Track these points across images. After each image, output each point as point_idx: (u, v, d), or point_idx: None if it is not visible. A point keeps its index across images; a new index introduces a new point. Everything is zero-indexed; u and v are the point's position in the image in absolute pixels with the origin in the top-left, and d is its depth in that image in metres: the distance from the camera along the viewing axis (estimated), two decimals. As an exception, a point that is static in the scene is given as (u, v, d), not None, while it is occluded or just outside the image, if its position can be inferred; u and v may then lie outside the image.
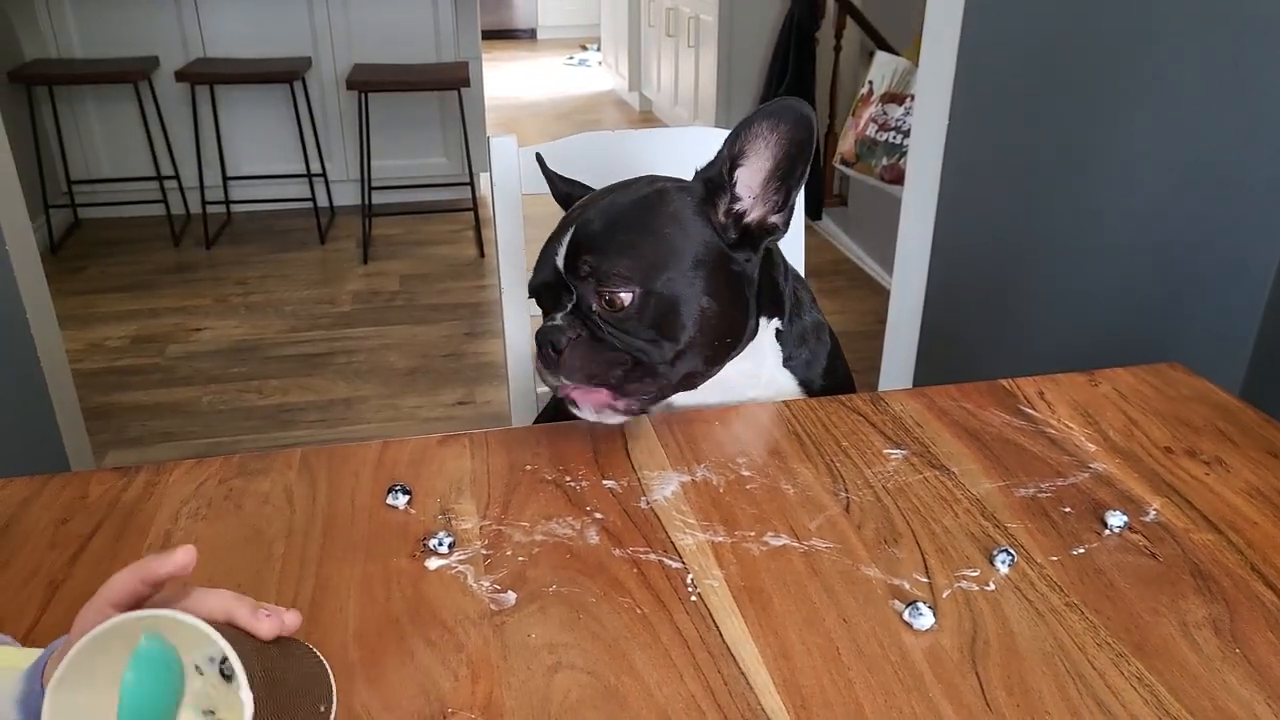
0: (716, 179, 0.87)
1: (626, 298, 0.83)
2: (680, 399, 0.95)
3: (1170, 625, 0.66)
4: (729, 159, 0.86)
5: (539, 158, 1.07)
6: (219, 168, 3.93)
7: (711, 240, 0.87)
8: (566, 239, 0.87)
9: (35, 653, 0.52)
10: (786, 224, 0.88)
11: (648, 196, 0.89)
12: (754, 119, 0.84)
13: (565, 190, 1.03)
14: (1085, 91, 1.57)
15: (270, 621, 0.50)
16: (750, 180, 0.87)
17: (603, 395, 0.85)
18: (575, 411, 0.87)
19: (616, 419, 0.86)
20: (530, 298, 0.93)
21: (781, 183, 0.86)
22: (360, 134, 3.67)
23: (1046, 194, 1.69)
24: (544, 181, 1.22)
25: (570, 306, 0.86)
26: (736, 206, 0.88)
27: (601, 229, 0.87)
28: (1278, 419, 0.93)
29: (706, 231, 0.87)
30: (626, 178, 0.95)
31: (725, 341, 0.89)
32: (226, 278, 3.48)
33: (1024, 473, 0.83)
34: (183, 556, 0.52)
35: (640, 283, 0.84)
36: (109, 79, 3.58)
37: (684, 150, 1.27)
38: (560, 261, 0.87)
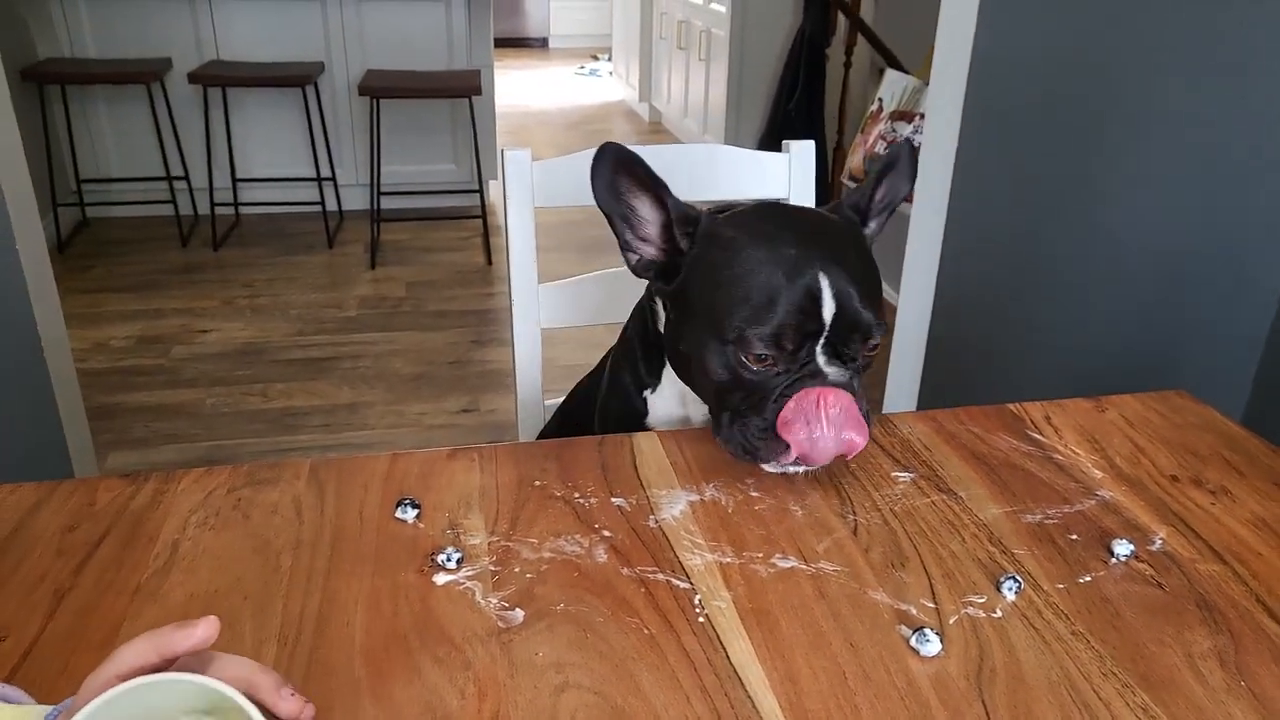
0: (867, 202, 0.91)
1: (881, 338, 0.83)
2: (673, 416, 0.96)
3: (1176, 656, 0.66)
4: (876, 180, 0.90)
5: (635, 162, 0.86)
6: (229, 169, 3.95)
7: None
8: (825, 285, 0.80)
9: (41, 710, 0.50)
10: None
11: (854, 233, 0.89)
12: (899, 150, 0.90)
13: (681, 212, 0.87)
14: (1094, 117, 1.57)
15: (292, 703, 0.49)
16: (875, 206, 0.92)
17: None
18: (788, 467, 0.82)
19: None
20: (757, 343, 0.80)
21: (884, 210, 0.93)
22: (371, 139, 3.69)
23: (1053, 217, 1.69)
24: (555, 194, 1.23)
25: (825, 356, 0.81)
26: (869, 231, 0.92)
27: (856, 276, 0.82)
28: (1281, 444, 0.94)
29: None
30: (767, 200, 0.96)
31: None
32: (234, 280, 3.49)
33: (1031, 499, 0.84)
34: (204, 630, 0.48)
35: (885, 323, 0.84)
36: (122, 79, 3.61)
37: (693, 166, 1.29)
38: (829, 313, 0.80)
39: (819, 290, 0.79)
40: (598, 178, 0.85)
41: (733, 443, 0.84)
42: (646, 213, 0.88)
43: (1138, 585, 0.73)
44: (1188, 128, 1.40)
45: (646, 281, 0.94)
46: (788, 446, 0.79)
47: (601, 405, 1.05)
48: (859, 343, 0.82)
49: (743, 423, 0.82)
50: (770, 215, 0.88)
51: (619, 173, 0.85)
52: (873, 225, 0.93)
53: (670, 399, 0.97)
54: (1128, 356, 1.54)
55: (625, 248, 0.89)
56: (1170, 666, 0.65)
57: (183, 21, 3.81)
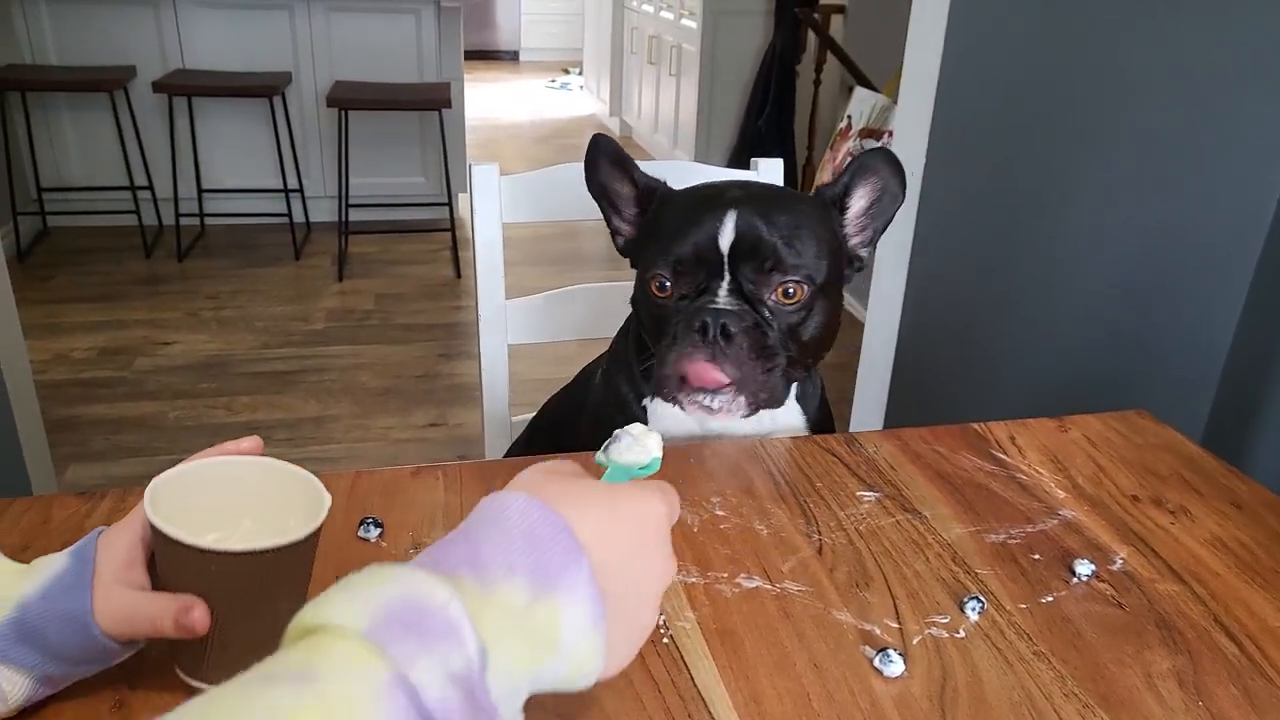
0: (836, 198, 0.91)
1: (803, 291, 0.84)
2: (680, 428, 0.95)
3: (1135, 676, 0.66)
4: (848, 184, 0.91)
5: (617, 150, 0.94)
6: (194, 180, 3.90)
7: (839, 255, 0.90)
8: (730, 219, 0.82)
9: (59, 558, 0.57)
10: (863, 262, 0.94)
11: (804, 196, 0.91)
12: (873, 158, 0.90)
13: (646, 184, 0.94)
14: (1058, 137, 1.60)
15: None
16: (854, 208, 0.92)
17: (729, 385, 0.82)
18: (690, 400, 0.83)
19: (735, 414, 0.84)
20: (658, 271, 0.84)
21: (870, 221, 0.93)
22: (339, 151, 3.67)
23: (1018, 236, 1.72)
24: (523, 209, 1.23)
25: (726, 289, 0.82)
26: (853, 238, 0.93)
27: (779, 217, 0.83)
28: (1240, 461, 0.95)
29: (837, 245, 0.90)
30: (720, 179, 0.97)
31: (817, 357, 0.91)
32: (198, 291, 3.45)
33: (995, 518, 0.84)
34: (249, 443, 0.62)
35: (813, 279, 0.84)
36: (84, 87, 3.56)
37: (668, 182, 1.29)
38: (726, 241, 0.82)
39: (722, 220, 0.83)
40: (591, 171, 0.94)
41: (656, 382, 0.86)
42: (625, 193, 0.95)
43: (1099, 605, 0.74)
44: (1149, 151, 1.43)
45: (621, 298, 0.97)
46: (683, 376, 0.82)
47: (594, 416, 1.03)
48: (765, 277, 0.83)
49: (659, 360, 0.85)
50: (722, 181, 0.94)
51: (608, 164, 0.94)
52: (865, 235, 0.93)
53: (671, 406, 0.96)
54: (1091, 376, 1.56)
55: (614, 231, 0.96)
56: (1130, 687, 0.65)
57: (147, 29, 3.76)
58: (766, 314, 0.83)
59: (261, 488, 0.61)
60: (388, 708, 0.34)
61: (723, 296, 0.82)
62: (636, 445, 0.56)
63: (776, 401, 0.87)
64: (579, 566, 0.44)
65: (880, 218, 0.93)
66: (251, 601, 0.56)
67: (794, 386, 0.95)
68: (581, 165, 1.28)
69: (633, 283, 0.95)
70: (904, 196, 0.91)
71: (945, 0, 1.83)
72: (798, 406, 0.99)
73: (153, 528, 0.55)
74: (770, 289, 0.83)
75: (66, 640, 0.55)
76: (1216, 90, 1.31)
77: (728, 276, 0.83)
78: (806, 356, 0.89)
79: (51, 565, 0.57)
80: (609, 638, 0.45)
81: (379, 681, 0.35)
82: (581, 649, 0.44)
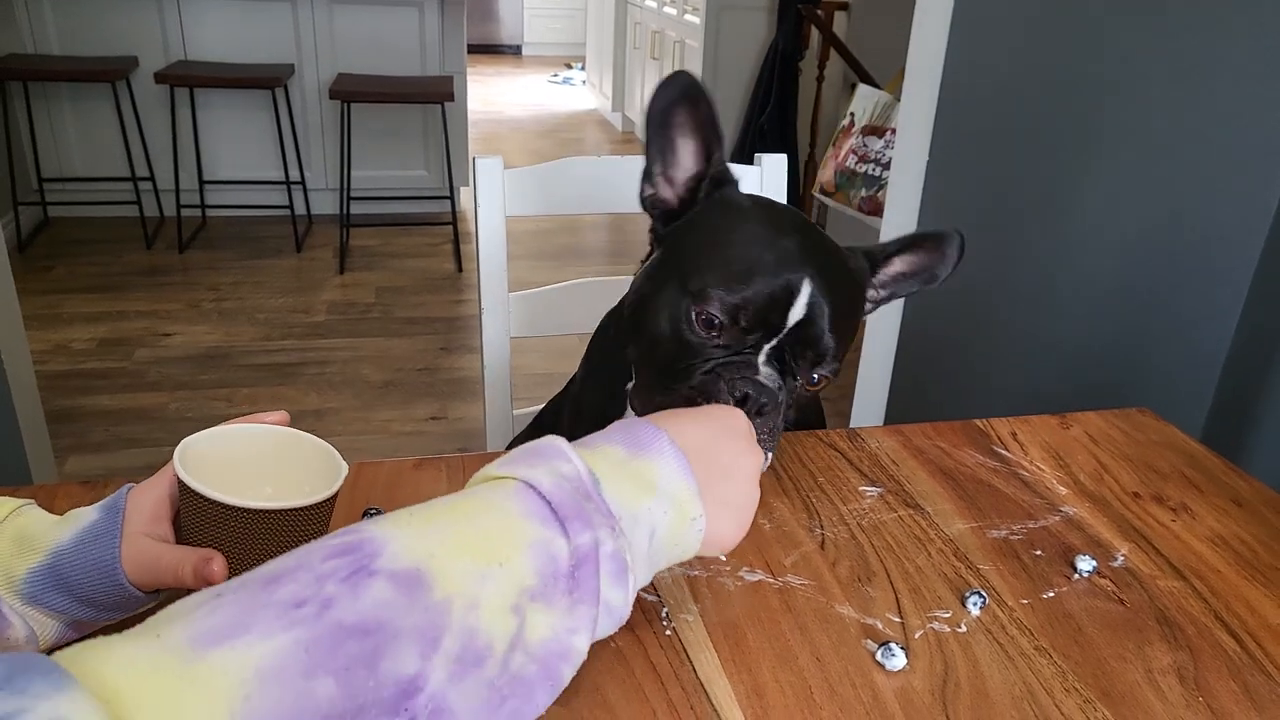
0: (884, 256, 0.87)
1: (828, 382, 0.80)
2: None
3: (1136, 672, 0.67)
4: (907, 245, 0.87)
5: (707, 101, 0.82)
6: (195, 171, 3.90)
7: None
8: (806, 289, 0.76)
9: (87, 511, 0.62)
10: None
11: (857, 274, 0.85)
12: (949, 238, 0.87)
13: (719, 163, 0.84)
14: (1062, 135, 1.60)
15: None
16: (894, 268, 0.88)
17: None
18: None
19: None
20: (713, 306, 0.75)
21: (895, 288, 0.89)
22: (341, 143, 3.66)
23: (1020, 233, 1.72)
24: (526, 203, 1.23)
25: (768, 356, 0.77)
26: (870, 293, 0.88)
27: (841, 303, 0.78)
28: (1239, 460, 0.95)
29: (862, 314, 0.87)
30: (779, 204, 0.88)
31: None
32: (199, 283, 3.45)
33: (996, 514, 0.84)
34: (276, 415, 0.68)
35: (838, 369, 0.80)
36: (86, 77, 3.55)
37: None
38: (796, 315, 0.76)
39: (798, 289, 0.75)
40: (658, 98, 0.81)
41: (648, 404, 0.79)
42: (686, 156, 0.84)
43: (1100, 601, 0.74)
44: (1152, 148, 1.43)
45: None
46: None
47: (573, 429, 1.01)
48: (807, 363, 0.78)
49: (665, 387, 0.78)
50: (790, 214, 0.85)
51: (682, 103, 0.82)
52: (882, 293, 0.89)
53: None
54: (1091, 374, 1.56)
55: (646, 177, 0.85)
56: (1131, 682, 0.66)
57: (149, 20, 3.76)
58: (792, 387, 0.79)
59: (284, 456, 0.65)
60: (518, 498, 0.50)
61: (764, 365, 0.76)
62: None
63: (767, 464, 0.82)
64: (660, 437, 0.57)
65: (905, 289, 0.89)
66: (268, 558, 0.58)
67: None
68: (586, 160, 1.27)
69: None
70: (940, 285, 0.88)
71: (950, -3, 1.82)
72: None
73: (179, 482, 0.59)
74: (806, 373, 0.79)
75: (95, 587, 0.58)
76: (1219, 90, 1.31)
77: (775, 342, 0.77)
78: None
79: (84, 516, 0.61)
80: (710, 507, 0.57)
81: (510, 487, 0.51)
82: (679, 493, 0.56)
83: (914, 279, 0.89)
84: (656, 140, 0.83)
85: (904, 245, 0.87)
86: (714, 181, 0.84)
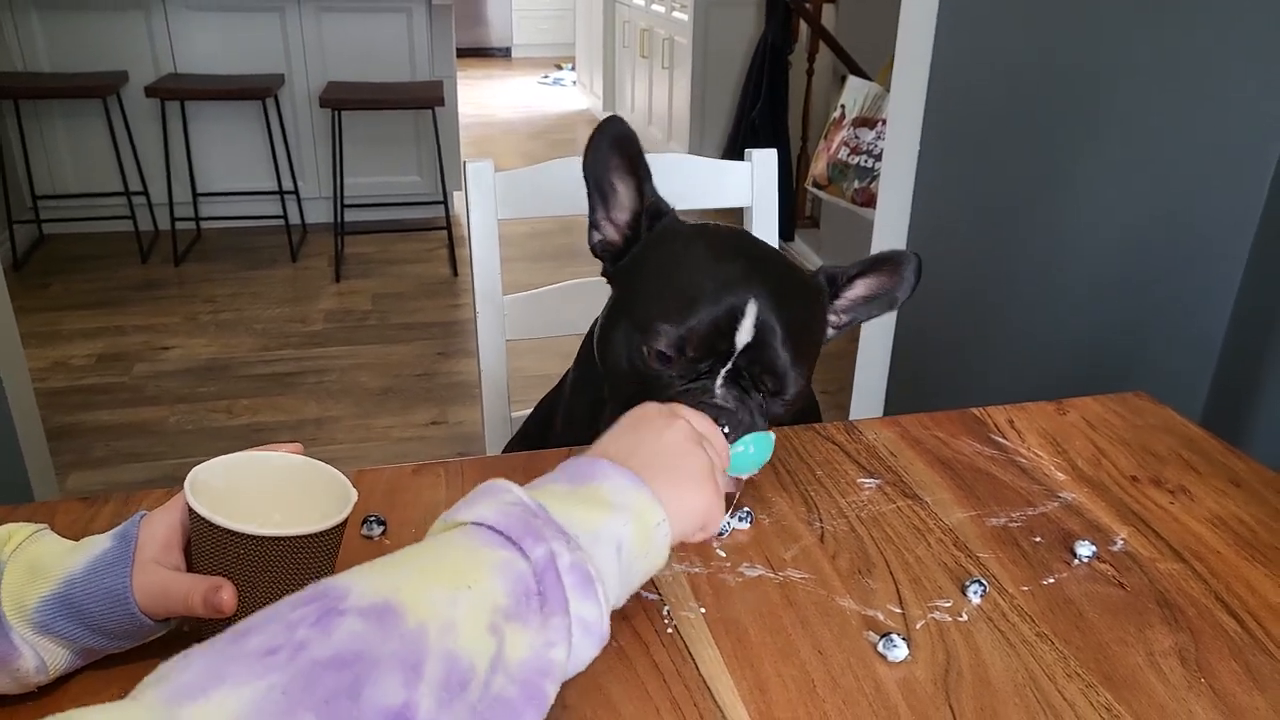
0: (840, 279, 0.87)
1: (791, 400, 0.80)
2: None
3: (1138, 655, 0.67)
4: (862, 271, 0.87)
5: (632, 142, 0.85)
6: (189, 184, 3.90)
7: (821, 344, 0.86)
8: (751, 311, 0.76)
9: (101, 539, 0.62)
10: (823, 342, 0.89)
11: (812, 293, 0.85)
12: (904, 260, 0.87)
13: (654, 200, 0.87)
14: (1053, 122, 1.60)
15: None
16: (853, 293, 0.89)
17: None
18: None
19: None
20: (660, 343, 0.77)
21: (856, 311, 0.89)
22: (333, 151, 3.66)
23: (1014, 222, 1.72)
24: (518, 205, 1.23)
25: (724, 379, 0.77)
26: (832, 319, 0.88)
27: (790, 323, 0.78)
28: (1238, 445, 0.95)
29: (822, 334, 0.87)
30: (725, 226, 0.88)
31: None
32: (196, 295, 3.45)
33: (995, 502, 0.85)
34: (289, 447, 0.67)
35: (802, 390, 0.80)
36: (76, 93, 3.55)
37: (656, 175, 1.29)
38: (743, 337, 0.76)
39: (742, 312, 0.76)
40: (592, 149, 0.85)
41: None
42: (625, 197, 0.87)
43: (1100, 586, 0.74)
44: (1144, 134, 1.42)
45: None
46: None
47: (566, 431, 1.01)
48: (766, 386, 0.78)
49: None
50: (734, 236, 0.87)
51: (614, 150, 0.85)
52: (843, 318, 0.89)
53: None
54: (1089, 358, 1.56)
55: (594, 225, 0.88)
56: (1132, 666, 0.66)
57: (138, 34, 3.75)
58: (759, 403, 0.79)
59: (294, 483, 0.66)
60: (472, 534, 0.51)
61: (720, 388, 0.77)
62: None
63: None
64: (597, 462, 0.59)
65: (867, 312, 0.90)
66: (277, 586, 0.59)
67: None
68: (578, 160, 1.27)
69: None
70: (895, 309, 0.89)
71: (936, -14, 1.83)
72: None
73: (189, 510, 0.59)
74: (766, 390, 0.79)
75: (106, 615, 0.58)
76: (1212, 77, 1.31)
77: (730, 366, 0.77)
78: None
79: (97, 544, 0.61)
80: (670, 507, 0.58)
81: (463, 530, 0.52)
82: (635, 503, 0.57)
83: (875, 302, 0.89)
84: (596, 189, 0.87)
85: (865, 268, 0.88)
86: (650, 214, 0.86)
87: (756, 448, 0.75)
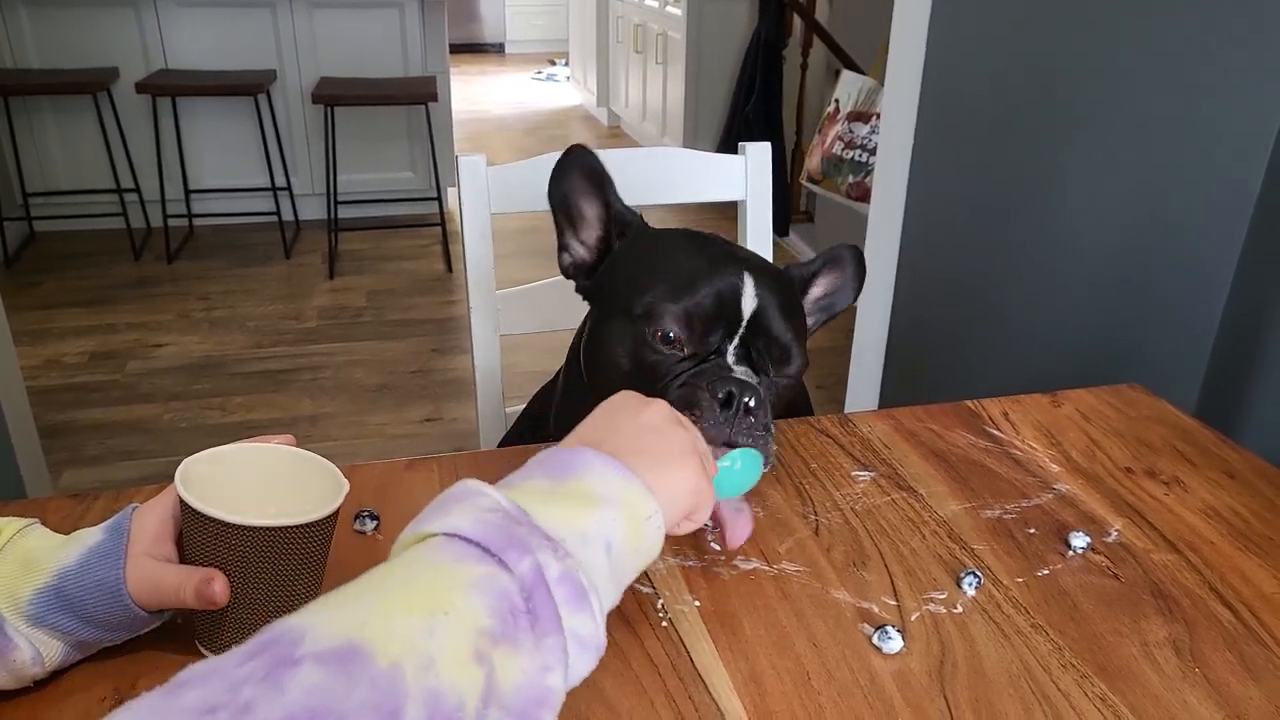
0: (804, 279, 0.89)
1: (798, 370, 0.80)
2: None
3: (1132, 646, 0.67)
4: (818, 270, 0.89)
5: (595, 165, 0.87)
6: (181, 180, 3.88)
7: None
8: (749, 281, 0.77)
9: (93, 531, 0.61)
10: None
11: (790, 281, 0.86)
12: (845, 253, 0.90)
13: (620, 212, 0.88)
14: (1048, 117, 1.60)
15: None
16: (813, 294, 0.91)
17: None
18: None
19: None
20: (665, 319, 0.76)
21: (817, 312, 0.92)
22: (326, 148, 3.65)
23: (1009, 214, 1.72)
24: (511, 200, 1.23)
25: (736, 355, 0.76)
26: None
27: (781, 302, 0.79)
28: (1232, 437, 0.96)
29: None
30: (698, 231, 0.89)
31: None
32: (189, 292, 3.44)
33: (990, 494, 0.84)
34: (281, 438, 0.66)
35: (804, 360, 0.81)
36: (67, 90, 3.53)
37: (651, 170, 1.29)
38: (749, 305, 0.76)
39: (741, 284, 0.77)
40: (557, 180, 0.86)
41: None
42: (593, 217, 0.89)
43: (1094, 577, 0.74)
44: (1138, 130, 1.42)
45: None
46: None
47: (559, 410, 1.02)
48: (773, 357, 0.78)
49: None
50: (707, 233, 0.88)
51: (580, 178, 0.87)
52: (810, 320, 0.90)
53: None
54: (1083, 350, 1.56)
55: (563, 248, 0.89)
56: (1127, 656, 0.66)
57: (129, 30, 3.74)
58: (769, 384, 0.79)
59: (286, 475, 0.65)
60: (444, 549, 0.46)
61: (734, 362, 0.75)
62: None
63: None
64: (580, 452, 0.55)
65: (827, 312, 0.91)
66: (270, 577, 0.59)
67: None
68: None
69: None
70: (853, 301, 0.91)
71: (929, -20, 1.82)
72: None
73: (181, 501, 0.59)
74: (773, 363, 0.79)
75: (100, 607, 0.58)
76: (1204, 73, 1.31)
77: (737, 341, 0.76)
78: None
79: (89, 537, 0.61)
80: (661, 497, 0.56)
81: (433, 543, 0.47)
82: (626, 495, 0.54)
83: (833, 297, 0.92)
84: (563, 214, 0.88)
85: (818, 268, 0.90)
86: (619, 223, 0.87)
87: (744, 465, 0.70)
